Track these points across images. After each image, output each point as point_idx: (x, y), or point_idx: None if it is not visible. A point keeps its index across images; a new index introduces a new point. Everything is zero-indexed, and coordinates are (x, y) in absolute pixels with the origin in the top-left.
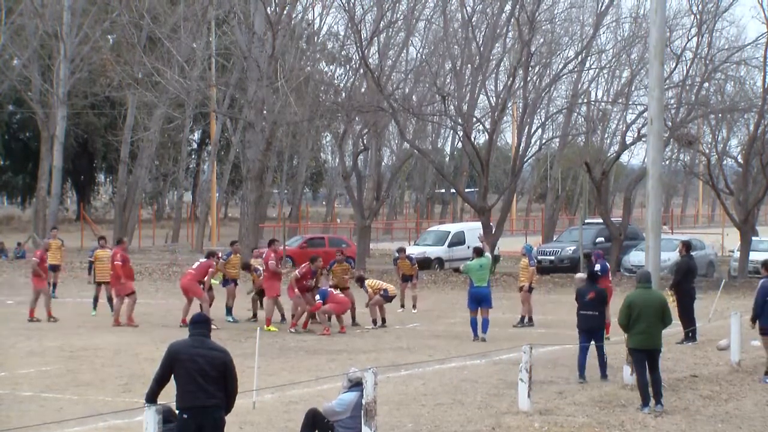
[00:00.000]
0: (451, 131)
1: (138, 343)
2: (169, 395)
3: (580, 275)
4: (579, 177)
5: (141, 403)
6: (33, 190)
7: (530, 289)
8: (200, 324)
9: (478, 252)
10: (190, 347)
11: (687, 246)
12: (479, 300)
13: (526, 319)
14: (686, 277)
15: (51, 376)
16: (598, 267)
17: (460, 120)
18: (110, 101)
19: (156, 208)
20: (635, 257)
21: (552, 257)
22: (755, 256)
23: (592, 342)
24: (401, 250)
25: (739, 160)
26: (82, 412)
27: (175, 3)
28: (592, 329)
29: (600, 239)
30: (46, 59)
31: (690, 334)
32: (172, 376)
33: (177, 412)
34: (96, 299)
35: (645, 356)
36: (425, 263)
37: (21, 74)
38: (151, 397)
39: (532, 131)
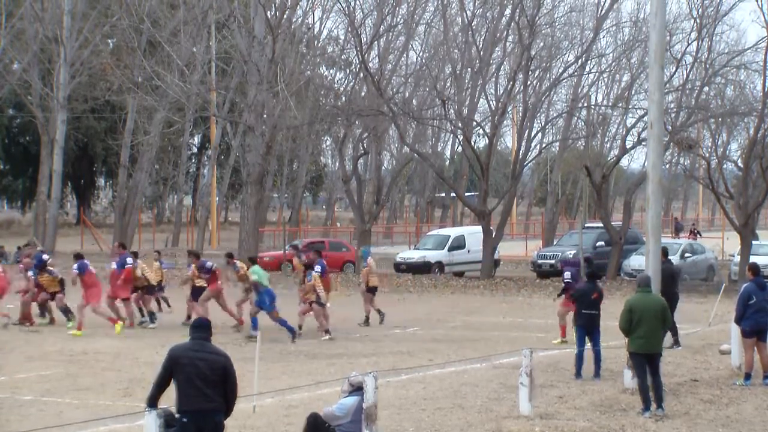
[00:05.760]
0: (451, 135)
1: (138, 347)
2: (170, 399)
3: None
4: (579, 181)
5: (142, 407)
6: (33, 194)
7: (371, 290)
8: (200, 328)
9: None
10: (191, 351)
11: (664, 252)
12: None
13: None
14: (668, 283)
15: (51, 380)
16: (568, 275)
17: (460, 124)
18: (110, 105)
19: (156, 212)
20: (635, 261)
21: (552, 261)
22: (755, 260)
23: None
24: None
25: (739, 164)
26: (82, 417)
27: (175, 7)
28: (591, 328)
29: (600, 243)
30: (46, 63)
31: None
32: (173, 379)
33: (177, 415)
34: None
35: (645, 360)
36: (425, 267)
37: (21, 78)
38: (152, 401)
39: (532, 135)
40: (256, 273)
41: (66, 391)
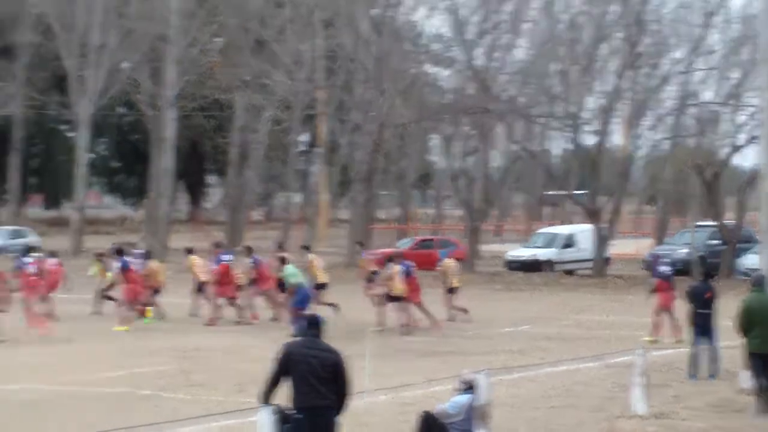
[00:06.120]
0: (560, 133)
1: (251, 344)
2: (283, 396)
3: None
4: (690, 179)
5: (254, 404)
6: (144, 192)
7: (451, 290)
8: (313, 325)
9: None
10: (303, 348)
11: None
12: None
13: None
14: None
15: (166, 376)
16: (668, 268)
17: (568, 121)
18: (219, 103)
19: (266, 210)
20: (749, 260)
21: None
22: None
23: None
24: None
25: None
26: (196, 412)
27: (281, 5)
28: (705, 327)
29: (712, 242)
30: (156, 62)
31: None
32: (286, 376)
33: (291, 412)
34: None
35: (761, 360)
36: (536, 265)
37: (131, 77)
38: (265, 398)
39: (641, 132)
40: (290, 273)
41: (180, 386)
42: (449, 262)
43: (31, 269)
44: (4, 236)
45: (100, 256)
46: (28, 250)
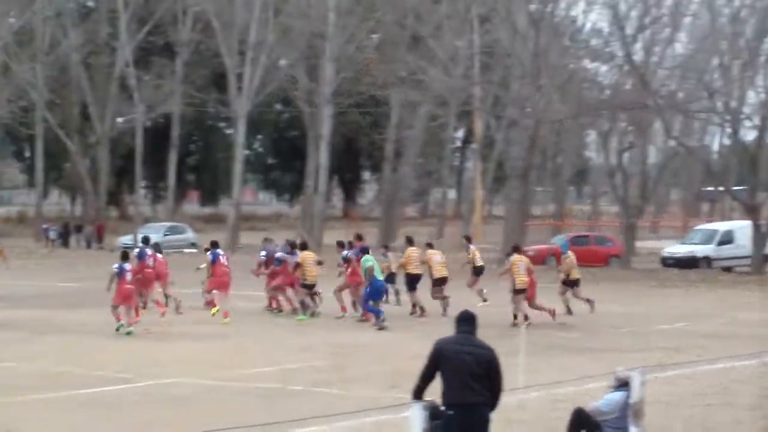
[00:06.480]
0: (719, 128)
1: (404, 340)
2: (435, 392)
3: None
4: None
5: (407, 400)
6: (300, 188)
7: (572, 283)
8: (466, 321)
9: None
10: (456, 344)
11: None
12: None
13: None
14: None
15: (319, 371)
16: None
17: (728, 116)
18: (375, 100)
19: (421, 206)
20: None
21: None
22: None
23: None
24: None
25: None
26: (349, 408)
27: (438, 1)
28: None
29: None
30: (312, 59)
31: None
32: (438, 373)
33: (443, 408)
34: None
35: None
36: (692, 262)
37: (288, 74)
38: (417, 394)
39: None
40: (365, 259)
41: (334, 382)
42: (571, 256)
43: (150, 262)
44: (161, 232)
45: (208, 251)
46: (146, 240)
